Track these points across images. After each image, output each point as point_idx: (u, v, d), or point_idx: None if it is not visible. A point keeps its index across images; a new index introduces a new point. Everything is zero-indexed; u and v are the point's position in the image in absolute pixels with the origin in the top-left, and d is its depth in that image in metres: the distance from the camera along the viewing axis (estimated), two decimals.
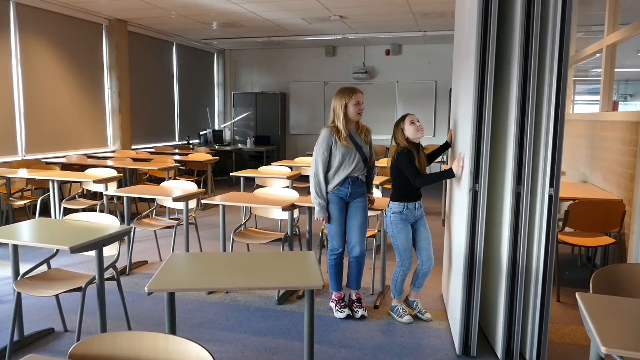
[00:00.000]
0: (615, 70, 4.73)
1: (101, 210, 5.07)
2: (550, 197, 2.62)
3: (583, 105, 10.47)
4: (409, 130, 3.27)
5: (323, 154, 3.35)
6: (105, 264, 2.84)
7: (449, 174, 3.10)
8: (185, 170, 8.08)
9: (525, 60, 2.60)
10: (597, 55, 5.11)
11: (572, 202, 3.88)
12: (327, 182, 3.39)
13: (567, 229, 3.96)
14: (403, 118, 3.33)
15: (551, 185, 2.62)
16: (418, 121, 3.30)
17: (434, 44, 10.16)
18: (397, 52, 10.55)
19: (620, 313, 1.74)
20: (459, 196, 3.14)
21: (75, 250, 2.54)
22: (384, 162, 6.94)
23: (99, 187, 5.27)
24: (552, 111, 2.58)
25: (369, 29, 9.02)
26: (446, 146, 3.57)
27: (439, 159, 3.83)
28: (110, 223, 3.08)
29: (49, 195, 5.35)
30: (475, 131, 2.71)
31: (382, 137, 10.70)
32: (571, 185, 4.91)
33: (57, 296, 2.95)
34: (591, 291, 2.00)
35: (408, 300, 3.55)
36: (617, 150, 4.01)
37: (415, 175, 3.19)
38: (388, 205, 3.38)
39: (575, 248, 4.82)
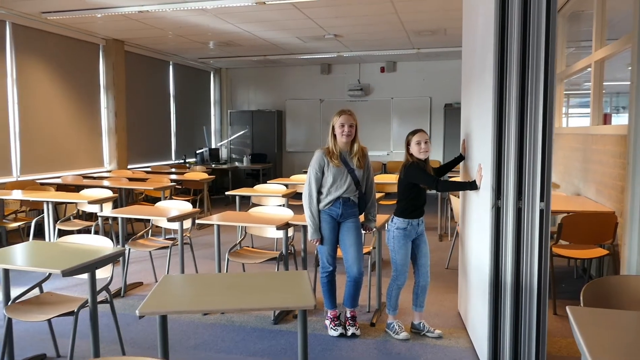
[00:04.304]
0: (608, 83, 4.78)
1: (96, 231, 5.07)
2: (541, 211, 2.64)
3: (577, 118, 10.55)
4: (414, 149, 3.29)
5: (316, 174, 3.37)
6: (99, 287, 2.83)
7: (473, 185, 3.07)
8: (182, 190, 8.08)
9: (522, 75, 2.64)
10: (588, 69, 5.17)
11: (565, 214, 3.90)
12: (319, 201, 3.41)
13: (561, 242, 3.97)
14: (414, 133, 3.32)
15: (542, 200, 2.64)
16: (425, 142, 3.28)
17: (428, 60, 10.26)
18: (392, 69, 10.65)
19: (611, 326, 1.75)
20: (476, 212, 3.14)
21: (67, 273, 2.53)
22: (380, 178, 6.97)
23: (94, 208, 5.27)
24: (539, 125, 2.61)
25: (363, 47, 9.12)
26: (460, 158, 3.58)
27: (448, 175, 3.81)
28: (103, 245, 3.08)
29: (43, 217, 5.34)
30: (496, 146, 2.70)
31: (377, 154, 10.77)
32: (565, 198, 4.93)
33: (49, 321, 2.93)
34: (582, 304, 2.00)
35: (414, 325, 3.52)
36: (608, 163, 4.03)
37: (436, 181, 3.19)
38: (392, 220, 3.38)
39: (571, 260, 4.82)
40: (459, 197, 4.99)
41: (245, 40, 8.49)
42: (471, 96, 3.47)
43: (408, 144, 3.32)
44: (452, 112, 9.99)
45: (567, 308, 1.79)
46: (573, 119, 10.52)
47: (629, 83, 3.38)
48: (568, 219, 3.81)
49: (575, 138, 5.26)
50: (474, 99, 3.32)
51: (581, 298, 2.01)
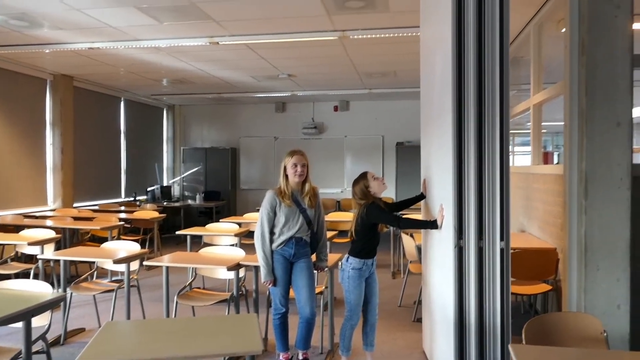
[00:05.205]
0: (549, 123, 5.05)
1: (36, 275, 4.80)
2: (501, 250, 2.73)
3: (522, 156, 11.06)
4: (375, 186, 3.34)
5: (268, 214, 3.36)
6: (36, 335, 2.66)
7: (433, 224, 3.13)
8: (131, 229, 7.82)
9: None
10: (529, 112, 5.48)
11: (511, 251, 4.02)
12: (271, 242, 3.38)
13: None
14: (364, 176, 3.38)
15: (502, 239, 2.73)
16: (380, 176, 3.40)
17: (380, 100, 10.59)
18: (345, 108, 10.90)
19: None
20: (438, 251, 3.19)
21: None
22: (333, 216, 7.01)
23: (34, 250, 5.01)
24: (497, 168, 2.72)
25: (317, 86, 9.32)
26: (420, 197, 3.65)
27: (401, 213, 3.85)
28: (42, 290, 2.92)
29: None
30: (457, 187, 2.78)
31: (331, 191, 10.86)
32: (511, 235, 5.10)
33: None
34: (524, 341, 2.06)
35: None
36: (549, 201, 4.23)
37: (398, 219, 3.27)
38: (347, 260, 3.38)
39: (518, 296, 4.95)
40: (410, 235, 5.08)
41: (199, 79, 8.51)
42: (431, 137, 3.59)
43: (366, 187, 3.34)
44: (404, 150, 10.27)
45: (510, 347, 1.84)
46: (518, 157, 11.04)
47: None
48: (513, 255, 3.92)
49: (519, 177, 5.51)
50: (434, 141, 3.43)
51: (523, 335, 2.07)
